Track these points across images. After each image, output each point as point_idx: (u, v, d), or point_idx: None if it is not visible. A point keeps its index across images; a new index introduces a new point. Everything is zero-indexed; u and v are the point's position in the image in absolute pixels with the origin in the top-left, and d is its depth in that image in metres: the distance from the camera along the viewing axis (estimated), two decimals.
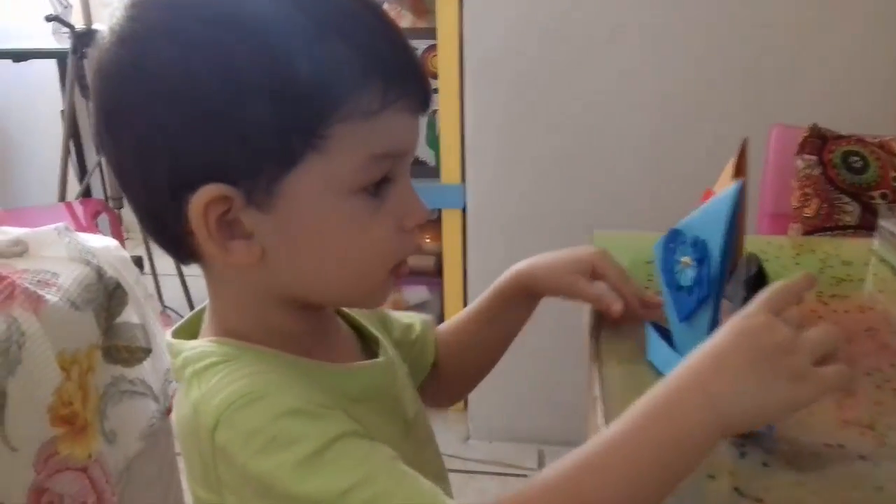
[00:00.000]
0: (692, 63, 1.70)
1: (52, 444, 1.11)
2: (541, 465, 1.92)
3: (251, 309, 0.58)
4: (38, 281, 1.16)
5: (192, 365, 0.54)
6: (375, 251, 0.57)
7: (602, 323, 0.79)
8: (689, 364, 0.51)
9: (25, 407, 1.07)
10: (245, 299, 0.58)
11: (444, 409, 0.80)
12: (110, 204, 2.23)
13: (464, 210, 1.91)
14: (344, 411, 0.53)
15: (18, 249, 1.24)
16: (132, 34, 0.52)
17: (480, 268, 1.91)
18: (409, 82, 0.55)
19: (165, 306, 2.42)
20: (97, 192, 2.49)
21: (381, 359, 0.64)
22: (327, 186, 0.53)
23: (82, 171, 2.56)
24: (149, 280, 2.21)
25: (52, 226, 1.27)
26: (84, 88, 2.15)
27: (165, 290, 2.42)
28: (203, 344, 0.56)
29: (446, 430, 1.99)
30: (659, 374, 0.71)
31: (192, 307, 2.25)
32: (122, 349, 1.28)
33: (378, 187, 0.55)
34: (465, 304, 1.89)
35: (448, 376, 0.80)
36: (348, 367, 0.61)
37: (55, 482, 1.12)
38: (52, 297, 1.15)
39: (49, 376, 1.11)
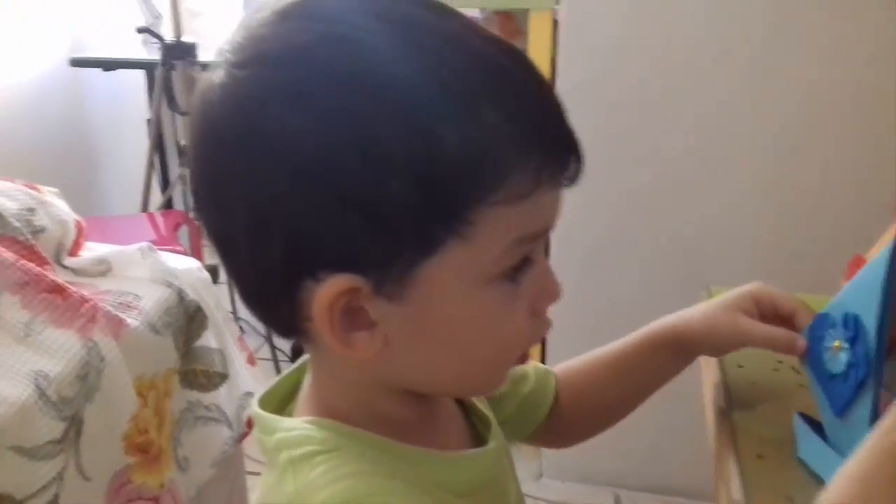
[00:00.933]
0: (809, 89, 1.59)
1: (125, 473, 1.10)
2: None
3: (357, 392, 0.53)
4: (120, 303, 1.15)
5: (289, 450, 0.49)
6: (509, 343, 0.51)
7: (731, 397, 0.71)
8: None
9: (101, 435, 1.06)
10: (351, 382, 0.52)
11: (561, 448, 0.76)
12: (191, 216, 2.24)
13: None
14: None
15: (102, 269, 1.23)
16: (249, 95, 0.45)
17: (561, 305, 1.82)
18: (566, 156, 0.48)
19: (238, 317, 2.40)
20: (178, 203, 2.50)
21: (490, 445, 0.58)
22: (466, 275, 0.47)
23: (165, 182, 2.58)
24: (224, 290, 2.19)
25: (136, 245, 1.26)
26: (171, 100, 2.16)
27: (240, 302, 2.40)
28: (302, 425, 0.51)
29: (518, 467, 1.90)
30: (813, 475, 0.62)
31: None
32: (200, 374, 1.27)
33: (515, 271, 0.49)
34: (542, 347, 1.81)
35: (569, 422, 0.74)
36: (455, 458, 0.56)
37: None
38: (133, 320, 1.13)
39: (126, 403, 1.10)
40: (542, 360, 1.29)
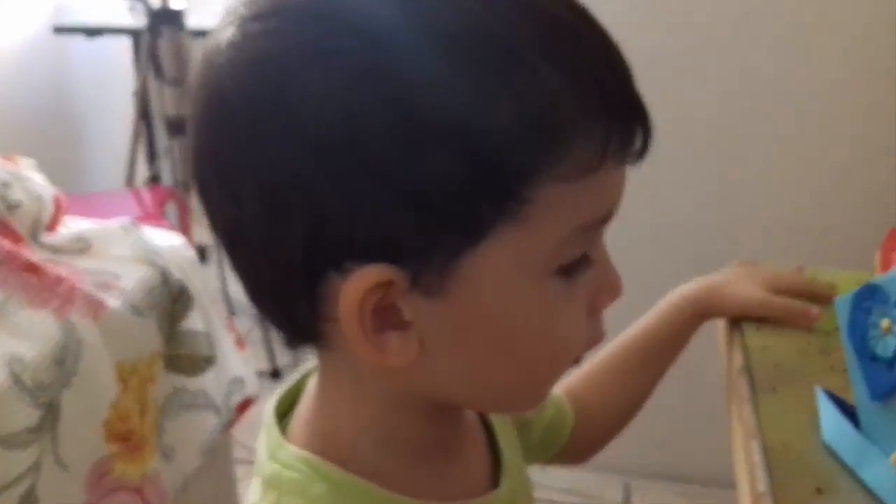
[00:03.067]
0: (838, 55, 1.51)
1: (106, 463, 1.06)
2: (626, 499, 1.79)
3: (371, 410, 0.46)
4: (100, 283, 1.11)
5: (283, 495, 0.45)
6: (562, 348, 0.45)
7: (755, 380, 0.68)
8: None
9: (80, 422, 1.03)
10: (368, 397, 0.46)
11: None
12: (178, 190, 2.17)
13: None
14: None
15: (81, 246, 1.19)
16: (266, 54, 0.39)
17: None
18: (635, 125, 0.42)
19: (231, 298, 2.33)
20: (165, 178, 2.43)
21: (501, 491, 0.52)
22: (521, 266, 0.41)
23: (151, 156, 2.51)
24: (212, 270, 2.12)
25: (118, 221, 1.21)
26: (158, 70, 2.09)
27: (232, 282, 2.34)
28: (299, 467, 0.45)
29: None
30: (839, 460, 0.59)
31: None
32: (185, 358, 1.22)
33: (574, 265, 0.43)
34: None
35: (588, 437, 0.72)
36: None
37: (107, 502, 1.07)
38: (113, 301, 1.09)
39: (106, 389, 1.06)
40: None
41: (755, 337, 0.74)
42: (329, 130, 0.37)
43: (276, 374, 2.17)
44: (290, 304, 0.42)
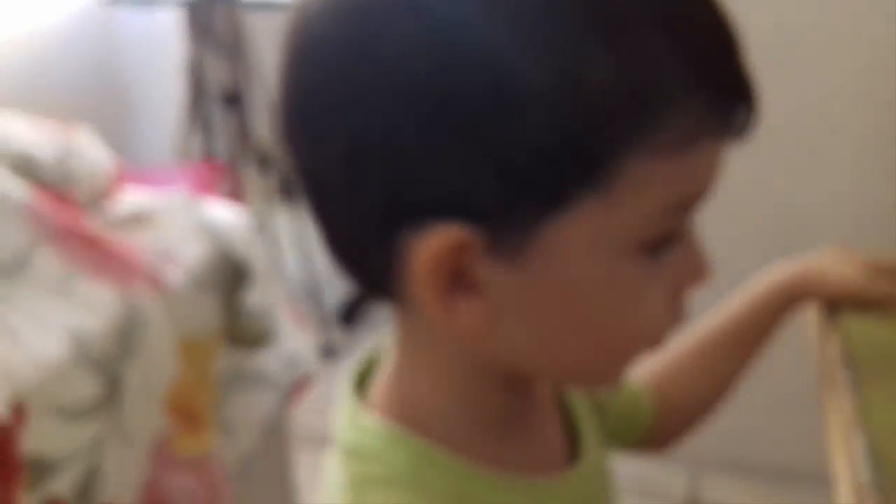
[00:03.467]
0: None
1: (167, 437, 1.07)
2: (691, 492, 1.75)
3: (448, 376, 0.47)
4: (161, 256, 1.11)
5: (360, 463, 0.46)
6: (642, 328, 0.44)
7: (857, 368, 0.67)
8: None
9: (142, 396, 1.03)
10: (444, 364, 0.46)
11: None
12: (231, 166, 2.17)
13: None
14: None
15: (141, 219, 1.18)
16: (360, 5, 0.39)
17: None
18: (738, 100, 0.40)
19: (283, 277, 2.33)
20: (218, 150, 2.44)
21: (580, 466, 0.52)
22: (602, 240, 0.40)
23: (204, 129, 2.52)
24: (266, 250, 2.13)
25: (178, 195, 1.21)
26: (212, 41, 2.09)
27: (284, 258, 2.35)
28: (380, 435, 0.46)
29: None
30: None
31: (313, 278, 2.17)
32: (245, 333, 1.22)
33: (660, 244, 0.42)
34: None
35: (669, 424, 0.70)
36: (544, 487, 0.50)
37: (169, 478, 1.08)
38: (175, 276, 1.09)
39: (168, 364, 1.07)
40: None
41: (854, 323, 0.71)
42: (419, 84, 0.38)
43: (329, 352, 2.17)
44: (367, 256, 0.43)
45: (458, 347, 0.45)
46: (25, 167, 1.07)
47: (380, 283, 0.44)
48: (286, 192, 2.16)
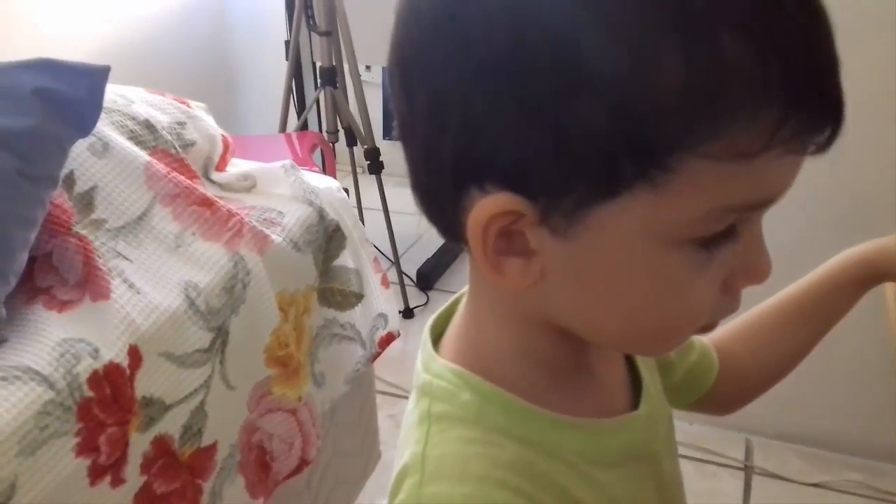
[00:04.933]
0: None
1: (266, 385, 1.12)
2: (748, 457, 1.77)
3: (514, 325, 0.49)
4: (265, 219, 1.16)
5: (432, 401, 0.49)
6: (688, 315, 0.45)
7: None
8: None
9: (245, 346, 1.07)
10: (507, 313, 0.49)
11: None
12: (326, 138, 2.25)
13: None
14: (591, 484, 0.48)
15: (248, 185, 1.24)
16: None
17: None
18: (820, 116, 0.39)
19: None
20: (313, 125, 2.53)
21: (641, 411, 0.53)
22: (649, 230, 0.40)
23: (300, 105, 2.60)
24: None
25: (279, 163, 1.27)
26: (310, 20, 2.15)
27: (369, 226, 2.43)
28: (449, 377, 0.49)
29: None
30: None
31: (393, 245, 2.25)
32: (337, 292, 1.27)
33: (713, 239, 0.41)
34: None
35: (734, 388, 0.70)
36: (603, 427, 0.51)
37: (266, 422, 1.13)
38: (276, 237, 1.14)
39: (269, 317, 1.11)
40: None
41: None
42: (494, 54, 0.38)
43: (408, 314, 2.25)
44: (440, 205, 0.45)
45: (515, 298, 0.47)
46: (145, 134, 1.12)
47: (453, 233, 0.46)
48: (372, 164, 2.23)
